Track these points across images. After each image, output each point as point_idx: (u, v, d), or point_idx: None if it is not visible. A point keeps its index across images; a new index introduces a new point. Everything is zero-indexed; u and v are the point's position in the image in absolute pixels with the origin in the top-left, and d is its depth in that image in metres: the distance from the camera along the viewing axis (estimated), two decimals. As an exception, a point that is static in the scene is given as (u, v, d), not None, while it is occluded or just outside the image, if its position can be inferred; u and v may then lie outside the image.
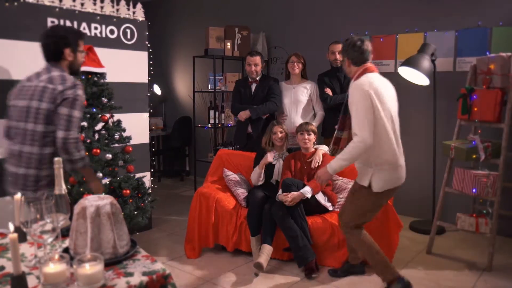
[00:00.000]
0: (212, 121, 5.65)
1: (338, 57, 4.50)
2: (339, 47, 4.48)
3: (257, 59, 4.62)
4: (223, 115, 5.65)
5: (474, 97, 3.96)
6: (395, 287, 3.06)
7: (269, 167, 4.27)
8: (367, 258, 3.19)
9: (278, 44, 6.07)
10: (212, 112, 5.65)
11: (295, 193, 3.76)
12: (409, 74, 4.53)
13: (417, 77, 4.48)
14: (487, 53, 4.11)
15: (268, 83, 4.66)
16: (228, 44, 5.62)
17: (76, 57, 2.62)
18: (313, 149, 4.16)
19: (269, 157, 4.09)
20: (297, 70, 4.63)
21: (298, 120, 4.56)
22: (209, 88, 5.74)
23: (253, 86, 4.72)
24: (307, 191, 3.83)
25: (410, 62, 4.38)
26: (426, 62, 4.33)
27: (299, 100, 4.63)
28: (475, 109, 3.97)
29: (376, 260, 3.12)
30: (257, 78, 4.70)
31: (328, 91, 4.59)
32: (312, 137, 4.14)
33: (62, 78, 2.49)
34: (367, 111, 2.81)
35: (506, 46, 4.35)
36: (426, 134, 4.89)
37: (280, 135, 4.25)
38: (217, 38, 5.59)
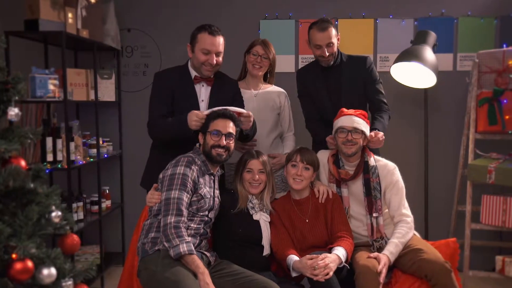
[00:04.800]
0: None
1: (329, 50, 2.78)
2: (328, 36, 2.76)
3: (221, 41, 2.56)
4: (72, 145, 3.10)
5: (505, 101, 3.05)
6: None
7: (252, 224, 2.50)
8: None
9: (136, 25, 3.84)
10: (49, 141, 3.03)
11: (330, 255, 2.29)
12: (402, 74, 3.31)
13: (411, 78, 3.31)
14: (504, 45, 3.28)
15: (230, 88, 2.72)
16: (70, 15, 3.11)
17: None
18: (307, 191, 2.60)
19: None
20: (262, 70, 2.86)
21: (267, 145, 2.83)
22: (37, 95, 3.05)
23: (203, 89, 2.64)
24: (342, 253, 2.34)
25: (412, 55, 3.14)
26: (431, 55, 3.17)
27: (267, 114, 2.85)
28: (507, 117, 3.07)
29: None
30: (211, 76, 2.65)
31: None
32: (311, 173, 2.51)
33: None
34: None
35: (473, 41, 3.64)
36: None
37: (258, 176, 2.51)
38: (53, 2, 3.00)
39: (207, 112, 2.39)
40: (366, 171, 2.55)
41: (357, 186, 2.57)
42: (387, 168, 2.58)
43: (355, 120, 2.52)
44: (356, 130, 2.50)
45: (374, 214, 2.52)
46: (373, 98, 2.86)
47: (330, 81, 2.89)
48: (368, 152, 2.59)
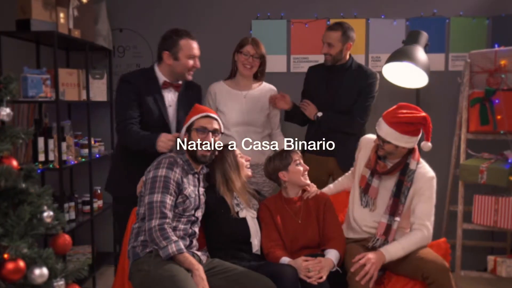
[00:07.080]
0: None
1: (327, 49, 2.97)
2: (329, 36, 2.96)
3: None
4: (64, 145, 3.08)
5: (496, 101, 3.07)
6: None
7: (239, 223, 2.44)
8: None
9: (128, 25, 3.80)
10: (41, 141, 3.00)
11: (324, 259, 2.30)
12: (393, 74, 3.31)
13: (403, 78, 3.31)
14: (496, 45, 3.28)
15: (196, 93, 2.73)
16: (62, 15, 3.09)
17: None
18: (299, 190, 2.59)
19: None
20: (253, 70, 2.87)
21: (258, 150, 2.84)
22: (29, 95, 3.03)
23: (171, 94, 2.62)
24: (335, 257, 2.34)
25: (403, 55, 3.13)
26: (422, 55, 3.17)
27: (256, 116, 2.83)
28: (499, 117, 3.08)
29: None
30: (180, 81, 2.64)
31: (306, 107, 3.04)
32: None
33: None
34: None
35: (465, 41, 3.64)
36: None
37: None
38: (45, 2, 2.98)
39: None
40: (403, 173, 2.44)
41: (389, 184, 2.47)
42: (425, 176, 2.45)
43: (390, 134, 2.36)
44: (388, 142, 2.38)
45: (396, 218, 2.42)
46: (353, 107, 2.97)
47: (331, 82, 3.02)
48: (414, 156, 2.46)
